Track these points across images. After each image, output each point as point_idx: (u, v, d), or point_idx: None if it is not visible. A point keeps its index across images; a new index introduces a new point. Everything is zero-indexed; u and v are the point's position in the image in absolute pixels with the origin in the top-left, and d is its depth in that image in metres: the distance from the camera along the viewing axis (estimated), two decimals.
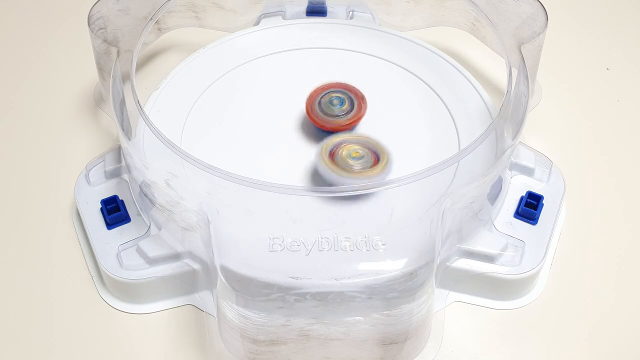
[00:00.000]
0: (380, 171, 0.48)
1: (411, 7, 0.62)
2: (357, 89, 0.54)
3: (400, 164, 0.51)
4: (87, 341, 0.48)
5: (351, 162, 0.48)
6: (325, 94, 0.53)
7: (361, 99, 0.53)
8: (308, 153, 0.52)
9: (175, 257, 0.48)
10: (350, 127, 0.52)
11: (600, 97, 0.63)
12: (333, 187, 0.45)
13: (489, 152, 0.50)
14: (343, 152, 0.49)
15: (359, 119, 0.52)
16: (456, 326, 0.48)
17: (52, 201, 0.55)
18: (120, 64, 0.52)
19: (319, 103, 0.53)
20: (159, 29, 0.62)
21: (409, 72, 0.58)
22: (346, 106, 0.53)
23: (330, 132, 0.52)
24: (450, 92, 0.56)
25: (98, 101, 0.61)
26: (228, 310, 0.44)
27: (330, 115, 0.52)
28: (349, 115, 0.52)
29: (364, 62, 0.59)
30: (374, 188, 0.44)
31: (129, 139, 0.49)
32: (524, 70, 0.50)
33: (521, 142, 0.53)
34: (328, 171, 0.48)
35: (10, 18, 0.69)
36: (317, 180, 0.50)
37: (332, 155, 0.49)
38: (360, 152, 0.49)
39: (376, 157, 0.49)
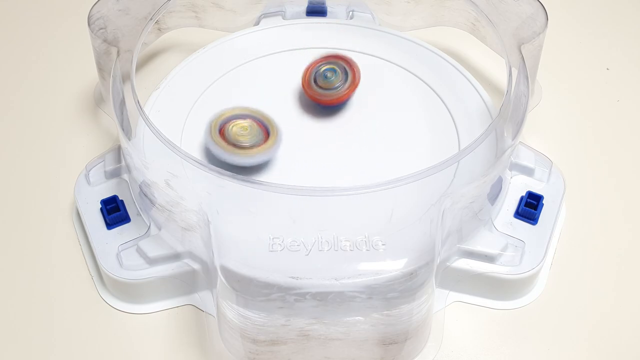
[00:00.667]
0: (270, 147, 0.49)
1: (411, 7, 0.62)
2: (346, 57, 0.54)
3: (401, 164, 0.51)
4: (87, 341, 0.48)
5: (240, 138, 0.49)
6: (318, 68, 0.53)
7: (353, 66, 0.53)
8: (308, 151, 0.52)
9: (175, 257, 0.48)
10: (348, 96, 0.53)
11: (600, 97, 0.63)
12: (333, 187, 0.45)
13: (489, 152, 0.50)
14: (232, 128, 0.49)
15: (356, 86, 0.53)
16: (456, 326, 0.48)
17: (52, 201, 0.55)
18: (120, 64, 0.52)
19: (314, 79, 0.53)
20: (159, 29, 0.62)
21: (409, 72, 0.58)
22: (341, 76, 0.53)
23: (330, 106, 0.52)
24: (450, 92, 0.56)
25: (98, 101, 0.61)
26: (228, 310, 0.44)
27: (327, 88, 0.53)
28: (346, 85, 0.53)
29: (364, 62, 0.59)
30: (373, 188, 0.44)
31: (129, 139, 0.49)
32: (524, 70, 0.50)
33: (521, 142, 0.53)
34: (218, 148, 0.48)
35: (10, 18, 0.69)
36: (210, 158, 0.50)
37: (222, 132, 0.49)
38: (249, 127, 0.49)
39: (266, 131, 0.50)
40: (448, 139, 0.53)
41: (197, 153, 0.46)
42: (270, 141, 0.49)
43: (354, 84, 0.53)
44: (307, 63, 0.58)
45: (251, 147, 0.49)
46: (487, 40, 0.60)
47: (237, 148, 0.49)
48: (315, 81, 0.53)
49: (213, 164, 0.48)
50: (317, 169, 0.51)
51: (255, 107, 0.52)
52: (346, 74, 0.53)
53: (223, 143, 0.49)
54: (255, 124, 0.50)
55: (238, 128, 0.49)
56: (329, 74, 0.53)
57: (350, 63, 0.54)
